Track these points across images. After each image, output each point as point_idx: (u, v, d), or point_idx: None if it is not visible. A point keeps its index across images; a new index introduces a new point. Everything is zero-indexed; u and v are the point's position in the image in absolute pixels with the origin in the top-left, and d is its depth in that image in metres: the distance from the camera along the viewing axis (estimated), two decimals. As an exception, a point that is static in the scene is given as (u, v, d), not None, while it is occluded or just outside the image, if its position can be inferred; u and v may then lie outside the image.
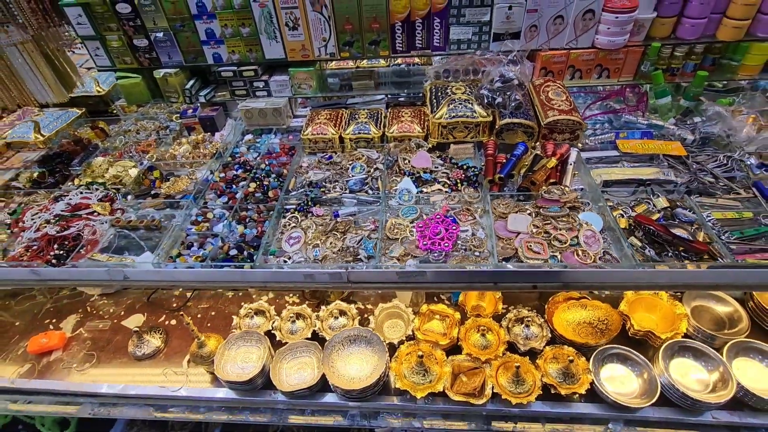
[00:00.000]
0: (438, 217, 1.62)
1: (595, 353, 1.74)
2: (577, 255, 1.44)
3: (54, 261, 1.59)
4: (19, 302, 2.34)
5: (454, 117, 1.86)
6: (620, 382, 1.72)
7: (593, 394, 1.67)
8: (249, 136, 2.23)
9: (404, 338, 1.85)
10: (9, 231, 1.73)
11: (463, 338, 1.83)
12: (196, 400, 1.84)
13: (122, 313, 2.27)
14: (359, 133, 1.99)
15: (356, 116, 2.08)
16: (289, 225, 1.68)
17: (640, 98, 2.02)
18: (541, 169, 1.68)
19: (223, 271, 1.49)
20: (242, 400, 1.81)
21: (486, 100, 1.87)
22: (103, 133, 2.27)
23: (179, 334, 2.12)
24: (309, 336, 1.93)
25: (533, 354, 1.80)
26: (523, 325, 1.84)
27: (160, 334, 2.08)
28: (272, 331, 1.96)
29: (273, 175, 1.93)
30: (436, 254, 1.51)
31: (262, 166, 1.98)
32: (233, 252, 1.58)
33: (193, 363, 1.91)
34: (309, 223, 1.67)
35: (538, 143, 1.85)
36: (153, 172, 1.98)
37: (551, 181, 1.67)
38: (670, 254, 1.41)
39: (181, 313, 1.74)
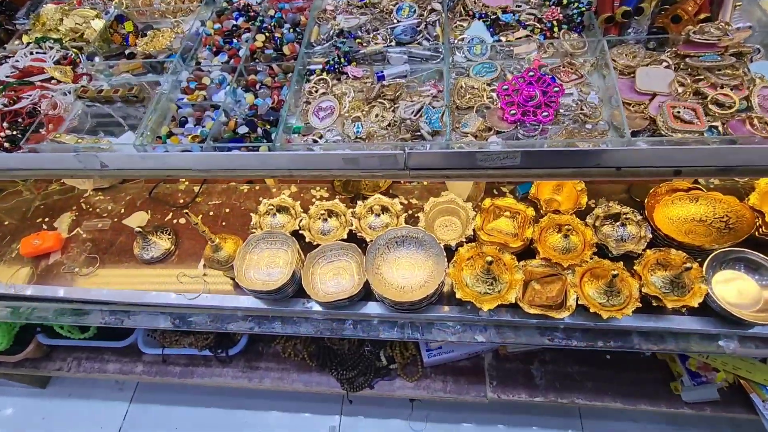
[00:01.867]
0: (529, 75, 1.12)
1: (710, 258, 1.38)
2: (750, 124, 0.96)
3: (6, 144, 1.19)
4: (3, 198, 2.02)
5: None
6: (738, 291, 1.38)
7: (704, 306, 1.34)
8: (249, -26, 1.62)
9: (463, 240, 1.50)
10: (-58, 105, 1.30)
11: (537, 240, 1.46)
12: (219, 308, 1.59)
13: (122, 210, 1.94)
14: (405, -43, 1.38)
15: (399, -67, 1.44)
16: (316, 91, 1.21)
17: None
18: (689, -2, 1.11)
19: (233, 155, 1.07)
20: (271, 310, 1.55)
21: None
22: (52, -25, 1.68)
23: (192, 233, 1.81)
24: (345, 237, 1.59)
25: (627, 259, 1.44)
26: (618, 224, 1.45)
27: (168, 234, 1.77)
28: (300, 231, 1.62)
29: (287, 25, 1.39)
30: (530, 128, 1.06)
31: (271, 12, 1.43)
32: (242, 129, 1.14)
33: (209, 268, 1.62)
34: (344, 89, 1.20)
35: (675, -38, 1.24)
36: (124, 25, 1.45)
37: (702, 15, 1.12)
38: None
39: (186, 211, 1.39)
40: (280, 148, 1.06)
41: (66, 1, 1.58)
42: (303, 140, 1.12)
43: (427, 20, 1.31)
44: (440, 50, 1.23)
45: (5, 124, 1.21)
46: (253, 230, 1.65)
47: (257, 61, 1.30)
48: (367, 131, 1.11)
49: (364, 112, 1.15)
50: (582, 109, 1.07)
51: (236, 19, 1.44)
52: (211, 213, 1.87)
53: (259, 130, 1.14)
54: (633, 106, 1.06)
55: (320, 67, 1.26)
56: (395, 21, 1.33)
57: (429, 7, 1.34)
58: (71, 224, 1.91)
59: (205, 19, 1.45)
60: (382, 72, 1.22)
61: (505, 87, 1.11)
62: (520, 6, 1.31)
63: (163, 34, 1.41)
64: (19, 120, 1.24)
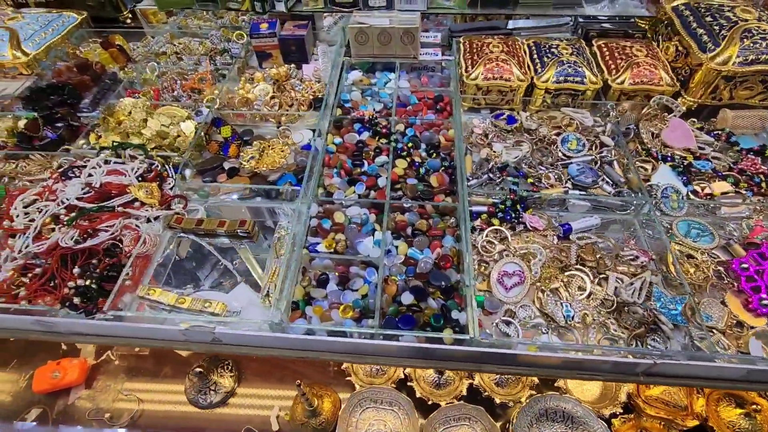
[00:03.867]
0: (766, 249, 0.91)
1: None
2: None
3: (76, 300, 0.86)
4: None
5: (749, 62, 1.08)
6: None
7: None
8: (357, 74, 1.41)
9: (620, 410, 1.23)
10: (-15, 233, 0.97)
11: (709, 414, 1.21)
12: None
13: (165, 327, 1.58)
14: (565, 80, 1.20)
15: (551, 51, 1.27)
16: (492, 246, 0.96)
17: None
18: None
19: (407, 348, 0.79)
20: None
21: (818, 35, 1.08)
22: (122, 56, 1.42)
23: (256, 367, 1.47)
24: (464, 392, 1.29)
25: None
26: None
27: (231, 371, 1.42)
28: (408, 383, 1.31)
29: (423, 145, 1.16)
30: (789, 325, 0.83)
31: (400, 126, 1.21)
32: (407, 298, 0.87)
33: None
34: (530, 247, 0.95)
35: None
36: (220, 130, 1.19)
37: None
38: None
39: (299, 382, 1.06)
40: (476, 342, 0.78)
41: (142, 90, 1.32)
42: (495, 323, 0.85)
43: (601, 156, 1.11)
44: (635, 199, 1.02)
45: (76, 270, 0.89)
46: (348, 375, 1.33)
47: (402, 194, 1.05)
48: (581, 314, 0.85)
49: (563, 282, 0.90)
50: None
51: (359, 133, 1.21)
52: (280, 338, 1.53)
53: (432, 302, 0.87)
54: None
55: (485, 210, 1.02)
56: (562, 154, 1.12)
57: (597, 141, 1.15)
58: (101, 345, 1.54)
59: (319, 129, 1.21)
60: (569, 224, 0.99)
61: (744, 265, 0.90)
62: (703, 148, 1.13)
63: (273, 147, 1.15)
64: (94, 262, 0.92)
